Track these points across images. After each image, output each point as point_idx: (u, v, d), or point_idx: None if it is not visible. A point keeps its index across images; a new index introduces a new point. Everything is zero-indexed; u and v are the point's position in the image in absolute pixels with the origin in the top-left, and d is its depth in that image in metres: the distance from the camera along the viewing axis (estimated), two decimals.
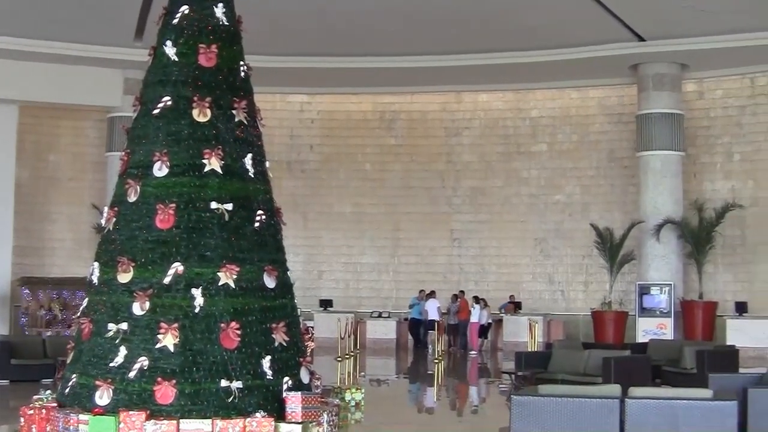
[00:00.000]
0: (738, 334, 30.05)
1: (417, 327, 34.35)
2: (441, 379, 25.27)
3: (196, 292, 12.69)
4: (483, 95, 37.21)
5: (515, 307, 34.45)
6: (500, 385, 22.49)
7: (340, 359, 25.99)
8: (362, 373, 25.76)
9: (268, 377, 12.92)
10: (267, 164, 14.16)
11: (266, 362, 12.92)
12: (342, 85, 36.12)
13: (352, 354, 27.74)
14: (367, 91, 37.01)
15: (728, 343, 28.25)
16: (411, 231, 37.16)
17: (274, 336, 13.15)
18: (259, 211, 13.47)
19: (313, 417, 13.16)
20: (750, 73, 33.82)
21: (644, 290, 32.20)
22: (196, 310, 12.65)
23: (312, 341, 15.58)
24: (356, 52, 32.87)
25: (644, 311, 31.98)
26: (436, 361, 27.35)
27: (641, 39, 31.48)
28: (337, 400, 14.74)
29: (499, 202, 36.76)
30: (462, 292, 34.61)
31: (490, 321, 33.91)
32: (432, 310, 33.52)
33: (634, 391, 11.69)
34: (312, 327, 31.03)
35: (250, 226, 13.32)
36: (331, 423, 13.71)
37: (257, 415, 12.45)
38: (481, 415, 19.05)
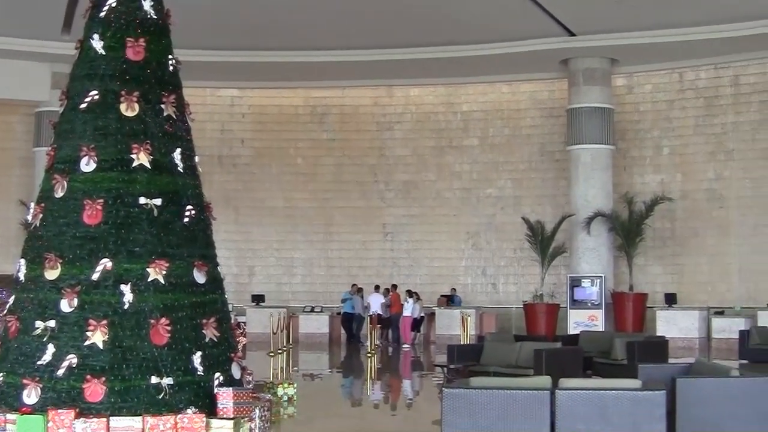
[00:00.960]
0: (668, 325, 30.43)
1: (350, 321, 34.34)
2: (374, 373, 25.28)
3: (125, 289, 12.54)
4: (414, 89, 37.28)
5: (448, 300, 34.54)
6: (433, 379, 22.53)
7: (272, 354, 25.92)
8: (295, 368, 25.72)
9: (198, 373, 12.79)
10: (197, 159, 14.02)
11: (197, 358, 12.79)
12: (273, 79, 36.02)
13: (284, 349, 27.70)
14: (299, 86, 36.95)
15: (658, 334, 28.57)
16: (343, 225, 37.16)
17: (204, 332, 13.02)
18: (189, 206, 13.34)
19: (245, 412, 13.07)
20: (679, 68, 34.26)
21: (575, 283, 32.47)
22: (125, 307, 12.49)
23: (244, 336, 15.46)
24: (287, 46, 32.80)
25: (575, 303, 32.26)
26: (369, 355, 27.36)
27: (571, 34, 31.74)
28: (270, 395, 14.64)
29: (431, 196, 36.87)
30: (394, 286, 34.66)
31: (422, 314, 33.98)
32: (375, 303, 33.52)
33: (565, 382, 11.75)
34: (244, 322, 30.99)
35: (180, 222, 13.18)
36: (264, 418, 13.62)
37: (188, 411, 12.33)
38: (414, 409, 19.07)
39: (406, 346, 32.36)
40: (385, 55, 33.38)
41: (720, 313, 31.67)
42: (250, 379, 14.44)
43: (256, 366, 19.16)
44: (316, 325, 34.91)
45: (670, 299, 31.98)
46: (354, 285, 34.89)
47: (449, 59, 33.47)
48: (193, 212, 13.37)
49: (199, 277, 13.17)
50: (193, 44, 27.55)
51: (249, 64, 33.95)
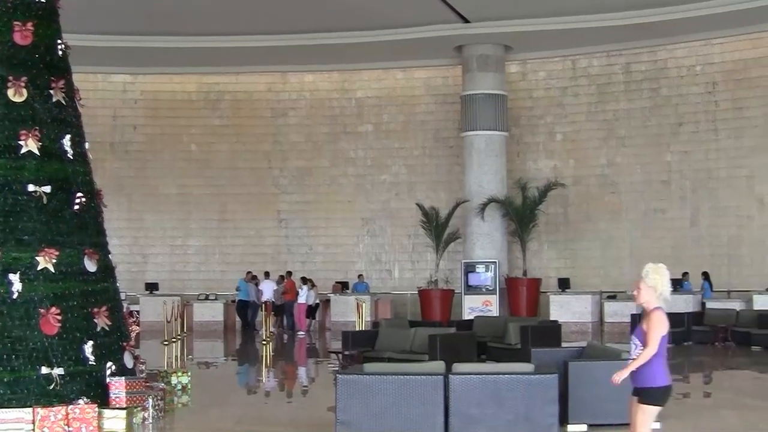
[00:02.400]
0: (561, 309, 30.76)
1: (245, 309, 34.17)
2: (269, 360, 25.18)
3: (14, 278, 12.32)
4: (309, 75, 37.17)
5: (342, 287, 34.53)
6: (328, 365, 22.53)
7: (166, 343, 25.67)
8: (190, 357, 25.50)
9: (90, 363, 12.64)
10: (87, 145, 13.82)
11: (88, 348, 12.63)
12: (166, 64, 35.61)
13: (179, 337, 27.43)
14: (192, 71, 36.56)
15: (551, 318, 28.86)
16: (238, 212, 36.94)
17: (96, 321, 12.86)
18: (79, 194, 13.14)
19: (138, 402, 12.95)
20: (571, 55, 34.68)
21: (470, 268, 32.69)
22: (14, 296, 12.28)
23: (137, 325, 15.32)
24: (180, 31, 32.46)
25: (470, 289, 32.48)
26: (264, 342, 27.26)
27: (466, 21, 31.91)
28: (163, 385, 14.50)
29: (325, 183, 36.82)
30: (289, 272, 34.56)
31: (317, 301, 33.94)
32: (267, 290, 33.38)
33: (458, 367, 11.83)
34: (137, 311, 30.64)
35: (70, 209, 12.98)
36: (157, 408, 13.51)
37: (80, 402, 12.18)
38: (309, 396, 19.05)
39: (301, 333, 32.30)
40: (279, 40, 33.22)
41: (612, 297, 32.15)
42: (143, 368, 14.32)
43: (150, 355, 19.00)
44: (210, 313, 34.67)
45: (564, 284, 32.38)
46: (249, 272, 34.71)
47: (344, 45, 33.44)
48: (83, 200, 13.18)
49: (90, 266, 13.00)
50: (83, 28, 27.11)
51: (141, 49, 33.52)
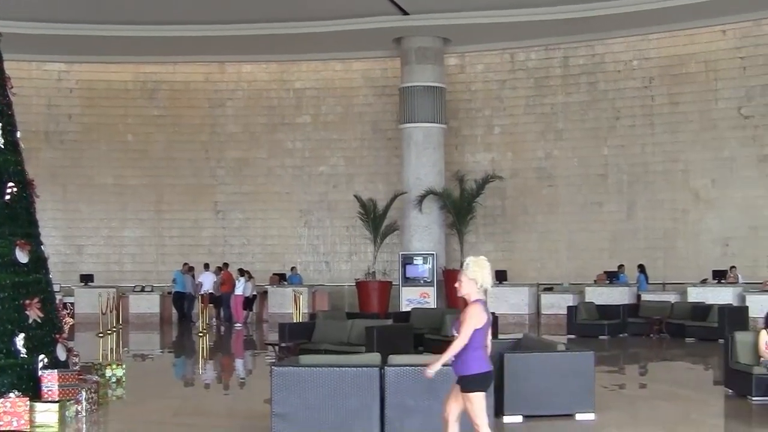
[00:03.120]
0: (498, 301, 30.75)
1: (181, 300, 33.94)
2: (206, 352, 25.05)
3: None
4: (247, 66, 36.97)
5: (280, 278, 34.40)
6: (266, 357, 22.43)
7: (101, 335, 25.47)
8: (125, 349, 25.31)
9: (22, 355, 12.49)
10: (18, 134, 13.61)
11: (19, 340, 12.47)
12: (102, 53, 35.20)
13: (114, 329, 27.24)
14: (129, 60, 36.18)
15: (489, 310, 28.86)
16: (174, 203, 36.67)
17: (27, 312, 12.70)
18: (10, 183, 12.95)
19: (71, 395, 12.81)
20: (510, 48, 34.83)
21: (407, 260, 32.70)
22: None
23: (71, 317, 15.14)
24: (117, 19, 32.12)
25: (407, 281, 32.51)
26: (201, 334, 27.10)
27: (405, 12, 31.89)
28: (97, 377, 14.35)
29: (263, 174, 36.67)
30: (226, 264, 34.38)
31: (254, 293, 33.79)
32: (207, 282, 33.16)
33: (394, 359, 11.81)
34: (72, 303, 30.24)
35: (0, 199, 12.80)
36: (90, 400, 13.37)
37: (11, 395, 12.02)
38: (246, 388, 18.96)
39: (238, 325, 32.14)
40: (217, 30, 33.00)
41: (549, 289, 32.34)
42: (77, 360, 14.17)
43: (85, 347, 18.81)
44: (146, 304, 34.37)
45: (501, 276, 32.45)
46: (185, 264, 34.48)
47: (282, 36, 33.30)
48: (14, 189, 13.00)
49: (22, 257, 12.82)
50: (16, 15, 26.81)
51: (76, 37, 33.09)
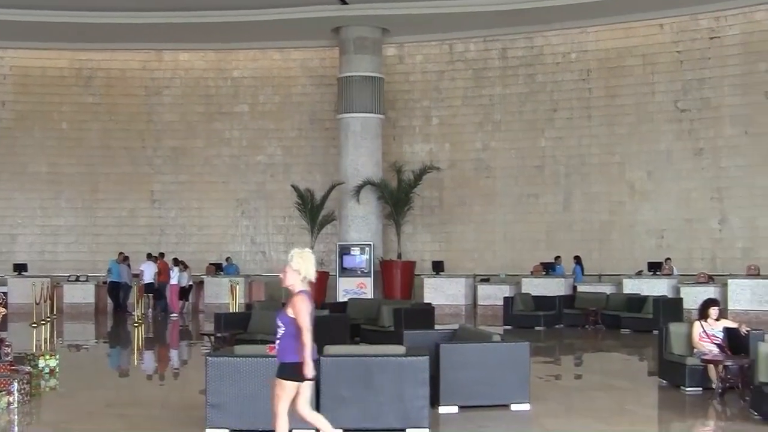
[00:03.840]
0: (435, 292, 30.90)
1: (116, 290, 33.61)
2: (141, 342, 24.82)
3: None
4: (184, 54, 36.70)
5: (216, 268, 34.18)
6: (202, 348, 22.26)
7: (35, 325, 25.12)
8: (59, 339, 25.01)
9: None
10: None
11: None
12: (37, 39, 34.76)
13: (48, 319, 26.90)
14: (64, 47, 35.76)
15: (425, 301, 29.00)
16: (110, 192, 36.33)
17: None
18: None
19: (3, 386, 12.63)
20: (449, 39, 34.91)
21: (344, 250, 32.69)
22: None
23: (4, 307, 14.92)
24: (51, 5, 31.72)
25: (345, 271, 32.50)
26: (136, 324, 26.87)
27: (343, 2, 31.83)
28: (29, 368, 14.14)
29: (200, 163, 36.45)
30: (162, 254, 34.09)
31: (190, 283, 33.56)
32: (148, 272, 32.80)
33: (329, 349, 11.75)
34: (5, 293, 29.84)
35: None
36: (23, 391, 13.18)
37: None
38: (181, 378, 18.81)
39: (174, 315, 31.89)
40: (154, 17, 32.72)
41: (486, 280, 32.43)
42: (9, 351, 13.95)
43: (18, 338, 18.52)
44: (81, 294, 33.99)
45: (438, 267, 32.53)
46: (121, 253, 34.13)
47: (220, 24, 33.09)
48: None
49: None
50: None
51: (11, 22, 32.62)
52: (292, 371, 9.17)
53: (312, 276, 9.31)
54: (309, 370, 9.16)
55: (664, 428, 13.16)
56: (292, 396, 9.28)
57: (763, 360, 12.02)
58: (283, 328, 9.24)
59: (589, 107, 33.38)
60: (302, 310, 9.13)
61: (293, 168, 35.93)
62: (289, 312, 9.22)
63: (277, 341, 9.32)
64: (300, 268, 9.24)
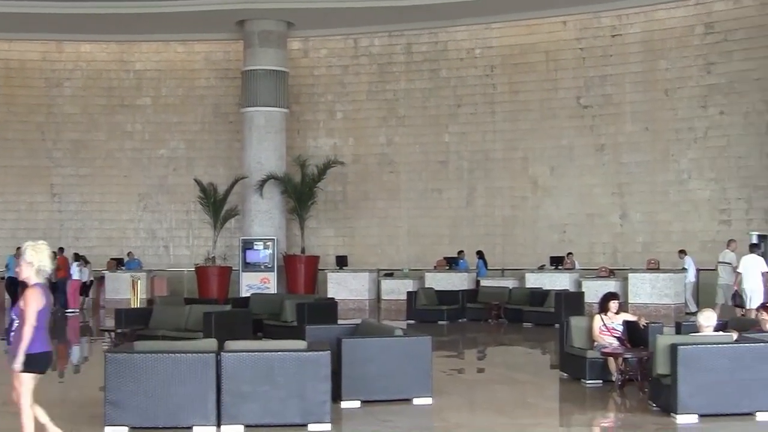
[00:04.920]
0: (339, 287, 30.87)
1: (15, 286, 32.93)
2: None
3: None
4: (86, 45, 36.18)
5: (117, 263, 33.76)
6: (102, 344, 21.96)
7: None
8: None
9: None
10: None
11: None
12: None
13: None
14: None
15: (329, 296, 28.97)
16: (8, 185, 35.69)
17: None
18: None
19: None
20: (354, 34, 34.92)
21: (248, 245, 32.55)
22: None
23: None
24: None
25: (248, 266, 32.37)
26: None
27: None
28: None
29: (101, 156, 36.00)
30: (61, 249, 33.50)
31: (91, 278, 33.09)
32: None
33: (230, 344, 11.64)
34: None
35: None
36: None
37: None
38: (81, 375, 18.54)
39: (74, 311, 31.41)
40: (55, 7, 32.14)
41: (389, 275, 32.43)
42: None
43: None
44: None
45: (341, 261, 32.48)
46: (19, 248, 33.37)
47: (122, 15, 32.64)
48: None
49: None
50: None
51: None
52: (36, 362, 9.28)
53: (47, 267, 9.37)
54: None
55: (566, 421, 13.26)
56: (32, 387, 9.35)
57: (661, 352, 12.13)
58: (17, 321, 9.31)
59: (492, 103, 33.62)
60: (30, 304, 9.19)
61: (196, 162, 35.65)
62: (21, 304, 9.28)
63: (12, 333, 9.36)
64: (33, 260, 9.29)
